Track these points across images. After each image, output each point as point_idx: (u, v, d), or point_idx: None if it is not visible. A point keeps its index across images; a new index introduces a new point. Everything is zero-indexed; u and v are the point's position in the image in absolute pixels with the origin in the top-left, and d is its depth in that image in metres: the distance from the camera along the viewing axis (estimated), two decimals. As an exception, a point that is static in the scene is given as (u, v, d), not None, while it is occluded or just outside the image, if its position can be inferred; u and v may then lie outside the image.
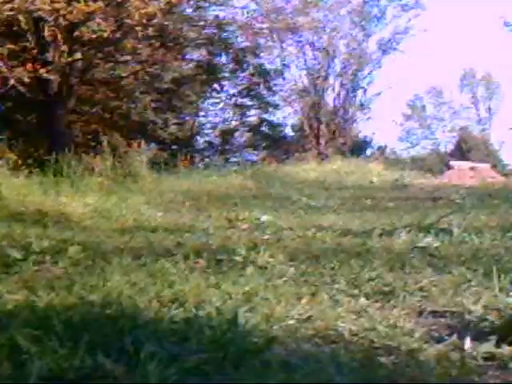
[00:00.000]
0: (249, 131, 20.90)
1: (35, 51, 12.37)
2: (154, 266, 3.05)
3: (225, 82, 19.80)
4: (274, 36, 18.48)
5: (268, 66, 20.09)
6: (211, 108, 20.80)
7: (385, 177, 14.65)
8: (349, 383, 1.59)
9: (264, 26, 15.88)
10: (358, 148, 24.03)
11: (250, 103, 20.50)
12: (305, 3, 16.18)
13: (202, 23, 15.84)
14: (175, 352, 1.70)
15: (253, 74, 19.54)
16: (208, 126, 20.92)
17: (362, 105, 23.98)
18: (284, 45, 20.79)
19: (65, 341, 1.72)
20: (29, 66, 11.47)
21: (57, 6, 10.73)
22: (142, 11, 11.81)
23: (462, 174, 13.50)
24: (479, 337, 1.96)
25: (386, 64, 24.83)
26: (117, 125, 16.75)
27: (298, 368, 1.66)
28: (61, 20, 11.33)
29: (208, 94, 20.14)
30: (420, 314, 2.30)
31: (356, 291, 2.57)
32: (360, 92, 23.74)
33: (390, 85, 41.06)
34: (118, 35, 12.64)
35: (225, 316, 2.06)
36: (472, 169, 13.87)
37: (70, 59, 12.49)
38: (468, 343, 1.88)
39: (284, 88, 21.47)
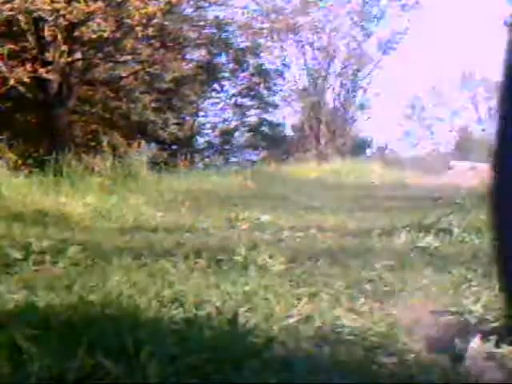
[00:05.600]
0: (249, 131, 20.89)
1: (35, 51, 12.37)
2: (154, 266, 3.05)
3: (225, 82, 19.81)
4: (274, 36, 18.46)
5: (268, 66, 20.10)
6: (211, 108, 20.80)
7: (385, 177, 14.66)
8: (349, 383, 1.59)
9: (264, 25, 15.86)
10: (358, 148, 24.02)
11: (250, 103, 20.50)
12: (305, 3, 16.17)
13: (202, 23, 15.84)
14: (175, 352, 1.70)
15: (253, 74, 19.55)
16: (208, 126, 20.92)
17: (361, 105, 23.98)
18: (284, 45, 20.77)
19: (65, 341, 1.72)
20: (29, 66, 11.46)
21: (57, 5, 10.72)
22: (142, 11, 11.80)
23: (462, 174, 13.49)
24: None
25: (386, 64, 24.81)
26: (117, 125, 16.75)
27: (297, 368, 1.66)
28: (61, 20, 11.32)
29: (208, 94, 20.14)
30: (420, 313, 2.30)
31: (356, 291, 2.57)
32: (360, 92, 23.75)
33: (390, 85, 41.04)
34: (118, 35, 12.63)
35: (225, 316, 2.06)
36: (472, 169, 13.85)
37: (69, 59, 12.49)
38: (476, 342, 1.88)
39: (284, 88, 21.47)
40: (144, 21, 12.09)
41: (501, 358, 1.81)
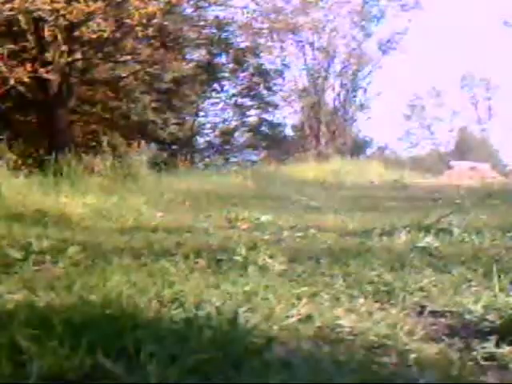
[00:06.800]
0: (249, 131, 20.91)
1: (35, 51, 12.37)
2: (154, 266, 3.04)
3: (225, 82, 19.83)
4: (274, 36, 18.47)
5: (268, 66, 20.11)
6: (211, 108, 20.82)
7: (385, 177, 14.67)
8: (349, 383, 1.58)
9: (264, 25, 15.87)
10: (358, 148, 24.06)
11: (250, 103, 20.52)
12: (305, 3, 16.17)
13: (202, 23, 15.86)
14: (175, 352, 1.70)
15: (253, 74, 19.57)
16: (208, 126, 20.93)
17: (361, 105, 24.01)
18: (284, 45, 20.79)
19: (65, 341, 1.72)
20: (29, 66, 11.46)
21: (57, 5, 10.72)
22: (142, 11, 11.81)
23: (462, 173, 13.49)
24: (479, 337, 1.96)
25: (385, 64, 24.86)
26: (117, 125, 16.75)
27: (297, 368, 1.66)
28: (61, 20, 11.33)
29: (208, 94, 20.16)
30: (420, 313, 2.30)
31: (356, 291, 2.57)
32: (360, 92, 23.79)
33: (390, 85, 41.07)
34: (118, 35, 12.63)
35: (225, 316, 2.06)
36: (472, 169, 13.86)
37: (69, 59, 12.49)
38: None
39: (284, 88, 21.49)
40: (144, 21, 12.09)
41: (501, 357, 1.81)
